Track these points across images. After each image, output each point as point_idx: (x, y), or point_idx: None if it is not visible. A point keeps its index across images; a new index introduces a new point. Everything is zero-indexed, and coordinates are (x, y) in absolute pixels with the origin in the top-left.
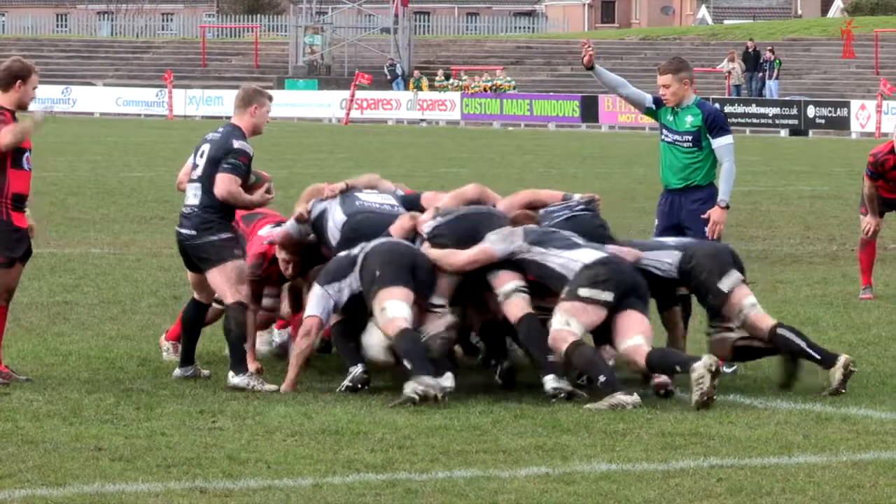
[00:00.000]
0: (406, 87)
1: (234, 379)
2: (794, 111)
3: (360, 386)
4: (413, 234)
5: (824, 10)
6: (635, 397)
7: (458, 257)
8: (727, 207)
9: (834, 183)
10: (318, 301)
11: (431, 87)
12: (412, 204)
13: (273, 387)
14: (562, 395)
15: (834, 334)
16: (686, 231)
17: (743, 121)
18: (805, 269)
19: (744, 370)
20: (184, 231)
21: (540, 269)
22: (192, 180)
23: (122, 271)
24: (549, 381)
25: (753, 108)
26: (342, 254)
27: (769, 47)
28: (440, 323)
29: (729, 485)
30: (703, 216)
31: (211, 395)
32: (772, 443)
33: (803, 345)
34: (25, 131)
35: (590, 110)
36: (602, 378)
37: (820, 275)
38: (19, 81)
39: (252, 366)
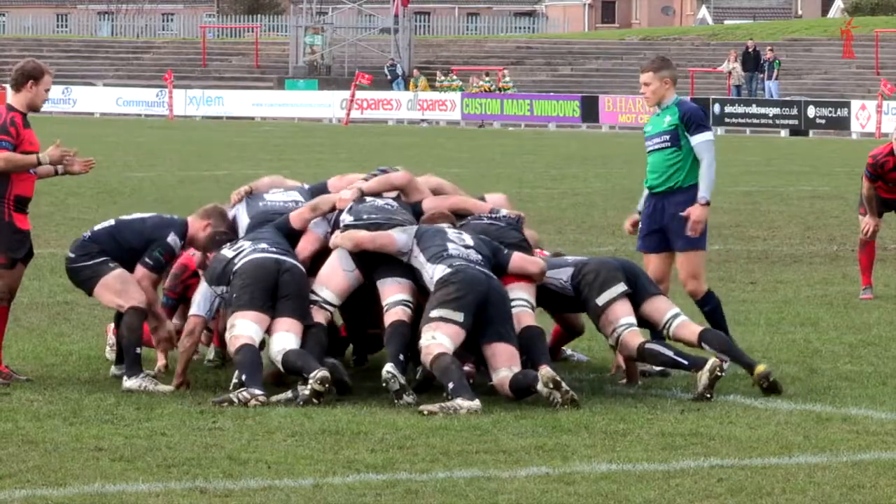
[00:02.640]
0: (406, 88)
1: (126, 382)
2: (795, 111)
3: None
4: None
5: (824, 11)
6: (473, 403)
7: (360, 234)
8: (707, 205)
9: (834, 183)
10: (203, 300)
11: (432, 87)
12: (320, 193)
13: (168, 388)
14: (392, 382)
15: (834, 334)
16: (669, 235)
17: (743, 121)
18: (805, 269)
19: (744, 371)
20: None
21: (419, 274)
22: None
23: None
24: (387, 367)
25: (754, 109)
26: (223, 253)
27: (769, 47)
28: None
29: (729, 485)
30: (682, 214)
31: (211, 395)
32: (772, 443)
33: (671, 354)
34: (24, 165)
35: (590, 110)
36: (451, 385)
37: (820, 275)
38: (31, 81)
39: (161, 362)
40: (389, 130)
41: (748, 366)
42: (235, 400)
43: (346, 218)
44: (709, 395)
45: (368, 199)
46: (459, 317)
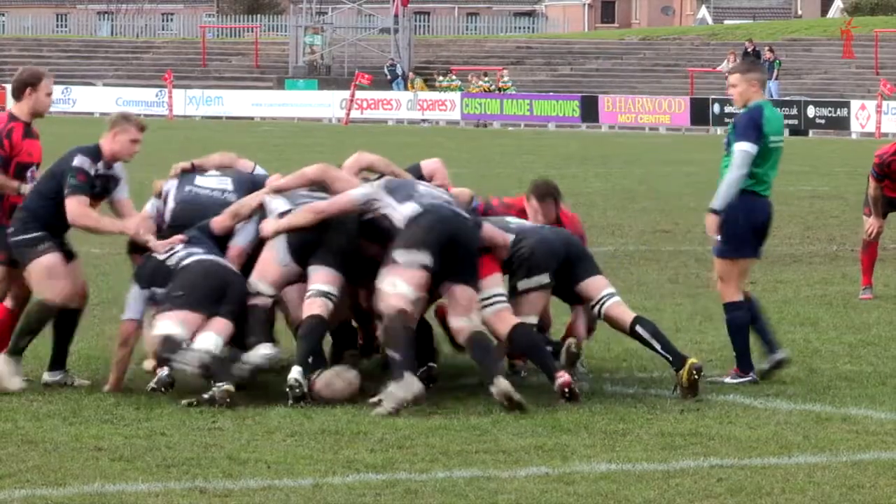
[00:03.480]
0: (406, 88)
1: (45, 376)
2: (794, 111)
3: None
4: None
5: (824, 11)
6: (414, 385)
7: (319, 204)
8: (713, 212)
9: (834, 183)
10: (135, 303)
11: (431, 88)
12: (259, 186)
13: (86, 381)
14: (297, 390)
15: (834, 334)
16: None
17: None
18: (805, 269)
19: None
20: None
21: (386, 222)
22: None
23: (122, 271)
24: (293, 372)
25: None
26: (160, 257)
27: (769, 47)
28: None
29: (729, 485)
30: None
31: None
32: (772, 443)
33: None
34: (4, 187)
35: (590, 110)
36: (397, 357)
37: (820, 275)
38: (29, 89)
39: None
40: (389, 130)
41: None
42: (155, 387)
43: (278, 205)
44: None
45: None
46: (426, 258)
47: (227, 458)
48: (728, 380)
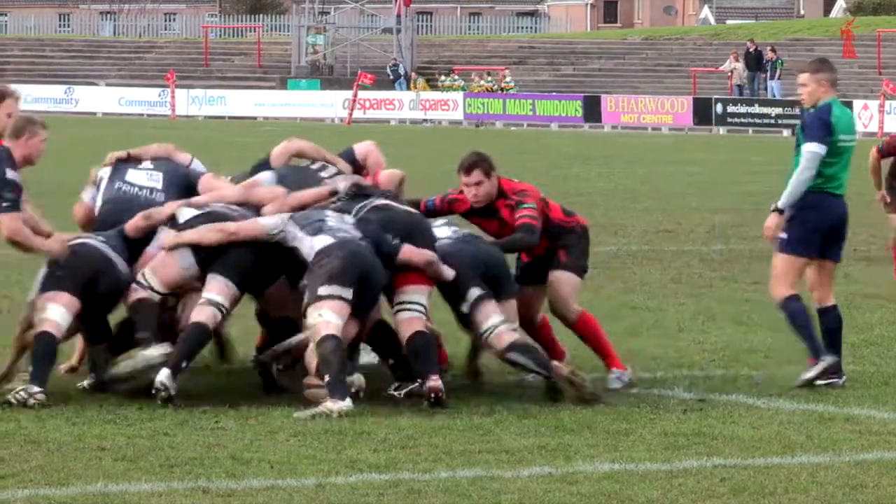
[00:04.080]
0: (409, 88)
1: None
2: (797, 111)
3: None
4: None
5: (827, 11)
6: (345, 404)
7: (229, 226)
8: (776, 211)
9: None
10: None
11: (434, 88)
12: (193, 182)
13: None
14: (163, 392)
15: None
16: None
17: (745, 121)
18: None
19: (747, 370)
20: None
21: (300, 252)
22: None
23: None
24: (161, 374)
25: (756, 109)
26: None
27: (771, 47)
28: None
29: (732, 485)
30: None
31: (214, 395)
32: (775, 443)
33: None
34: None
35: (592, 110)
36: (327, 378)
37: None
38: None
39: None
40: (392, 130)
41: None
42: (13, 401)
43: (184, 213)
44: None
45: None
46: (348, 293)
47: (231, 457)
48: (810, 374)
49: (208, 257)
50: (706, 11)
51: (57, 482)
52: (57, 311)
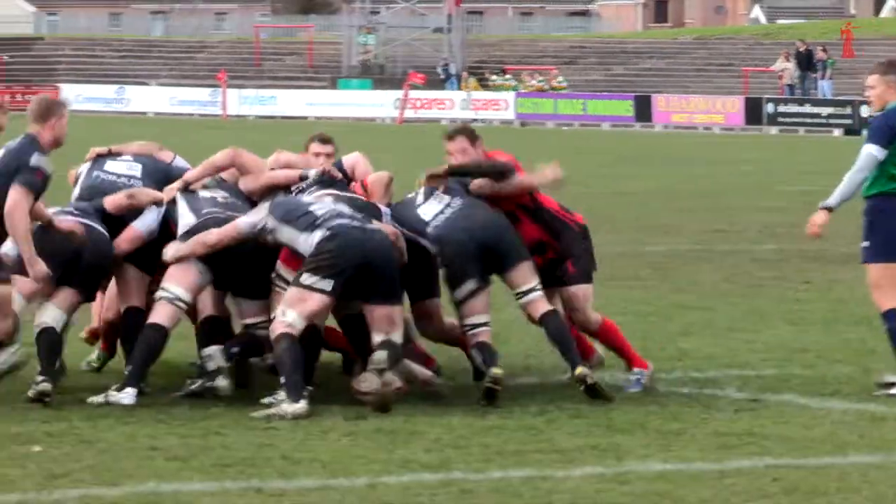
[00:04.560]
0: (459, 87)
1: None
2: (848, 111)
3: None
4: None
5: (877, 10)
6: (299, 406)
7: (210, 236)
8: (825, 209)
9: None
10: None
11: (485, 87)
12: (173, 178)
13: None
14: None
15: None
16: None
17: (797, 120)
18: (860, 268)
19: (799, 370)
20: None
21: (292, 247)
22: None
23: None
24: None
25: (807, 108)
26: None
27: (822, 47)
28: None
29: (784, 485)
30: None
31: (266, 394)
32: (827, 443)
33: (478, 360)
34: None
35: (643, 110)
36: (282, 379)
37: None
38: None
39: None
40: (443, 130)
41: (571, 364)
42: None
43: (187, 221)
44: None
45: (202, 192)
46: (327, 285)
47: (283, 457)
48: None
49: (210, 259)
50: (757, 11)
51: (109, 482)
52: (53, 313)
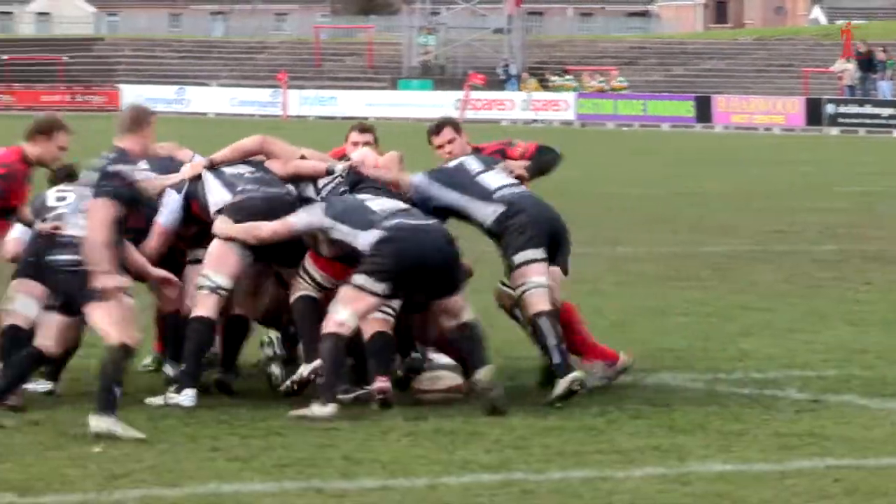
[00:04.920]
0: (519, 88)
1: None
2: None
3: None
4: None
5: None
6: (326, 409)
7: (261, 230)
8: None
9: None
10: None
11: (545, 88)
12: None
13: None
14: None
15: None
16: None
17: (857, 121)
18: None
19: (859, 371)
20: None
21: (347, 246)
22: None
23: None
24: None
25: (867, 109)
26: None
27: (883, 48)
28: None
29: (844, 485)
30: None
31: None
32: (888, 443)
33: (550, 342)
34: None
35: (704, 110)
36: (321, 380)
37: None
38: (41, 135)
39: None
40: (503, 131)
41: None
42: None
43: (221, 197)
44: (558, 405)
45: (227, 168)
46: (380, 288)
47: (343, 457)
48: None
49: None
50: (817, 11)
51: (169, 482)
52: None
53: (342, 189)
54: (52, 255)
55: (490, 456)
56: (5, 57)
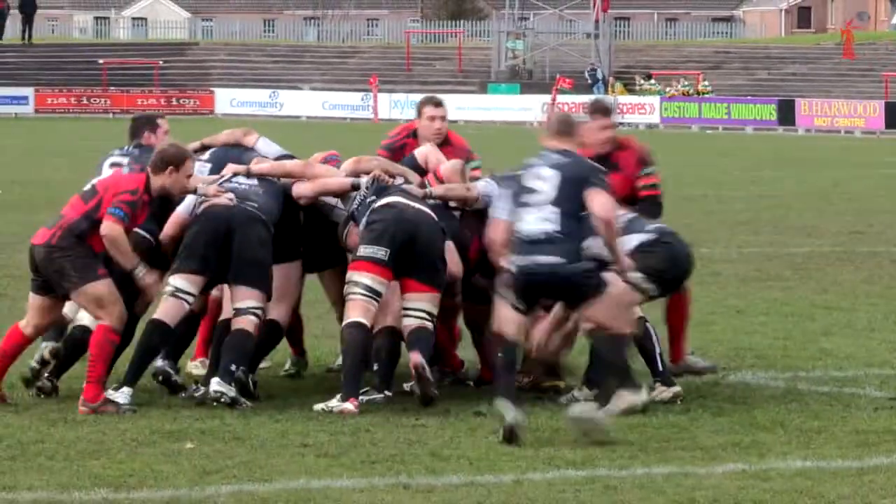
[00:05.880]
0: (606, 91)
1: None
2: None
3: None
4: None
5: None
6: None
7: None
8: None
9: None
10: None
11: (631, 92)
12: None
13: None
14: (224, 399)
15: None
16: None
17: None
18: None
19: None
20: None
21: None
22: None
23: None
24: (213, 383)
25: None
26: None
27: None
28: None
29: None
30: None
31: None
32: None
33: (654, 352)
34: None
35: (787, 113)
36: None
37: None
38: (171, 168)
39: None
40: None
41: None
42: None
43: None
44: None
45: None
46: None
47: (430, 454)
48: None
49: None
50: None
51: (260, 478)
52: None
53: (369, 199)
54: None
55: (574, 452)
56: (102, 61)
